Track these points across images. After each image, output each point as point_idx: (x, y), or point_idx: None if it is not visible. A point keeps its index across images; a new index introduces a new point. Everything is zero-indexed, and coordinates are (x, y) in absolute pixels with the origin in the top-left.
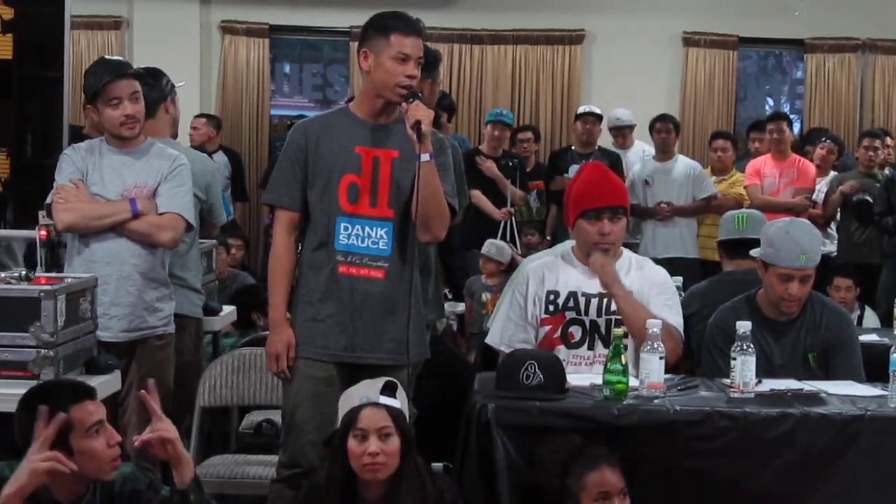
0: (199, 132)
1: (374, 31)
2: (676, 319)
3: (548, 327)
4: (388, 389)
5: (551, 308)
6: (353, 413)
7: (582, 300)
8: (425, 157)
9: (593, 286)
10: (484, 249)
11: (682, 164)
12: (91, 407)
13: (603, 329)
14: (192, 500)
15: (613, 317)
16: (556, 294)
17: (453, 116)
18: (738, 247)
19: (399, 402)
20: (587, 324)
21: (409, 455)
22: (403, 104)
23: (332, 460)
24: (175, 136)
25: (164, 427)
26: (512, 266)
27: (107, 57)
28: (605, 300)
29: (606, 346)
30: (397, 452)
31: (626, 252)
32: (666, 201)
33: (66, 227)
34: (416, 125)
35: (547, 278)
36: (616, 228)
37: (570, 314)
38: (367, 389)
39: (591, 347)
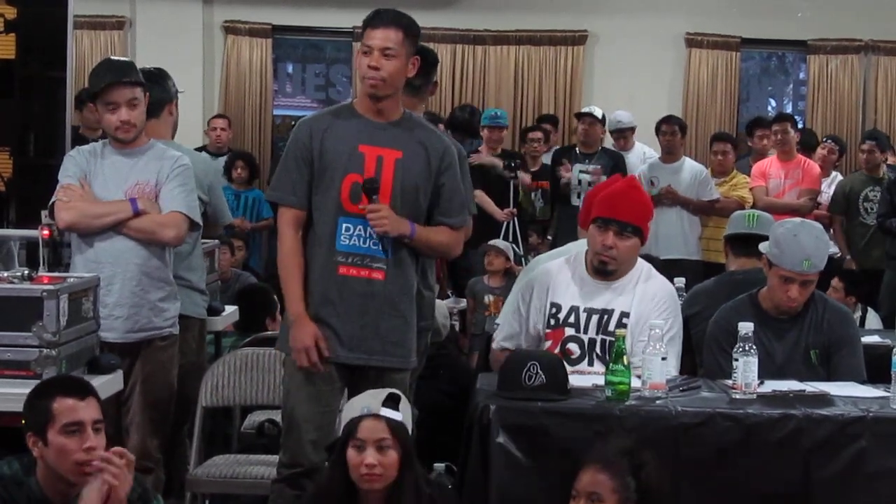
0: (227, 133)
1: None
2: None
3: (549, 342)
4: (391, 401)
5: (552, 322)
6: (354, 423)
7: (583, 316)
8: (407, 238)
9: (596, 301)
10: (490, 242)
11: (689, 166)
12: (72, 403)
13: (599, 348)
14: None
15: (609, 338)
16: (559, 308)
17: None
18: (746, 243)
19: (402, 414)
20: (585, 342)
21: (408, 467)
22: (362, 203)
23: (333, 467)
24: (172, 138)
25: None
26: (513, 270)
27: (113, 58)
28: (604, 317)
29: (604, 363)
30: (395, 464)
31: (640, 263)
32: (670, 188)
33: (67, 226)
34: (384, 235)
35: (551, 288)
36: (621, 245)
37: (569, 330)
38: (369, 399)
39: (590, 363)
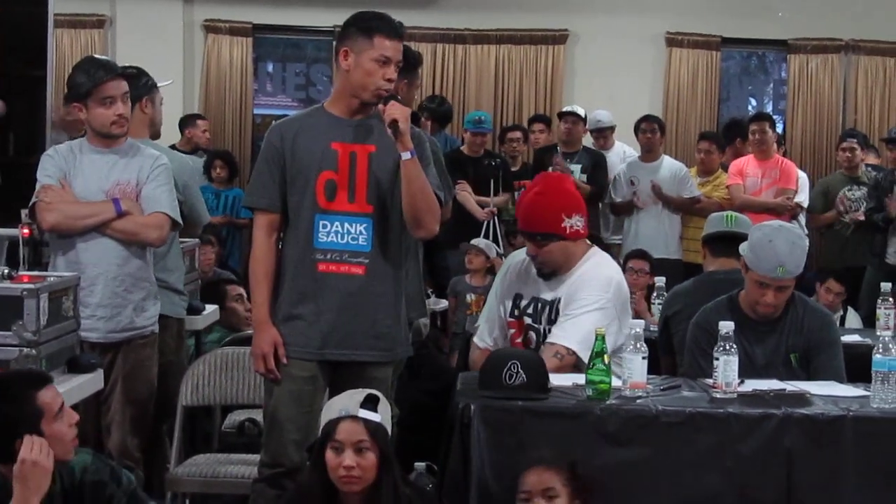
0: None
1: (357, 31)
2: (567, 338)
3: (513, 330)
4: (370, 402)
5: (516, 312)
6: (332, 425)
7: (539, 307)
8: (406, 155)
9: (546, 293)
10: (472, 242)
11: (668, 164)
12: (53, 391)
13: None
14: None
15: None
16: (521, 297)
17: (447, 125)
18: (724, 243)
19: (380, 415)
20: (542, 331)
21: (387, 469)
22: (380, 105)
23: (312, 468)
24: (156, 136)
25: None
26: (494, 268)
27: (95, 56)
28: (550, 308)
29: None
30: (373, 466)
31: (590, 253)
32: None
33: (51, 227)
34: (393, 124)
35: (517, 278)
36: (542, 252)
37: (527, 320)
38: (347, 401)
39: None
